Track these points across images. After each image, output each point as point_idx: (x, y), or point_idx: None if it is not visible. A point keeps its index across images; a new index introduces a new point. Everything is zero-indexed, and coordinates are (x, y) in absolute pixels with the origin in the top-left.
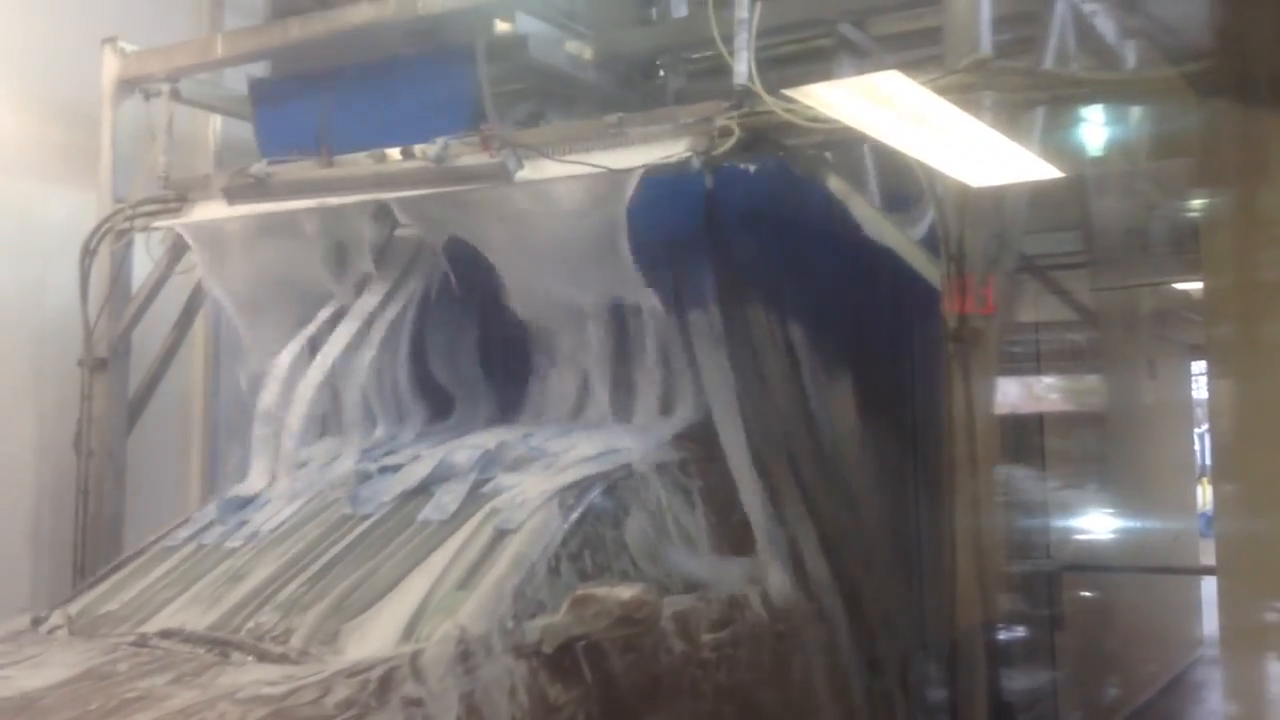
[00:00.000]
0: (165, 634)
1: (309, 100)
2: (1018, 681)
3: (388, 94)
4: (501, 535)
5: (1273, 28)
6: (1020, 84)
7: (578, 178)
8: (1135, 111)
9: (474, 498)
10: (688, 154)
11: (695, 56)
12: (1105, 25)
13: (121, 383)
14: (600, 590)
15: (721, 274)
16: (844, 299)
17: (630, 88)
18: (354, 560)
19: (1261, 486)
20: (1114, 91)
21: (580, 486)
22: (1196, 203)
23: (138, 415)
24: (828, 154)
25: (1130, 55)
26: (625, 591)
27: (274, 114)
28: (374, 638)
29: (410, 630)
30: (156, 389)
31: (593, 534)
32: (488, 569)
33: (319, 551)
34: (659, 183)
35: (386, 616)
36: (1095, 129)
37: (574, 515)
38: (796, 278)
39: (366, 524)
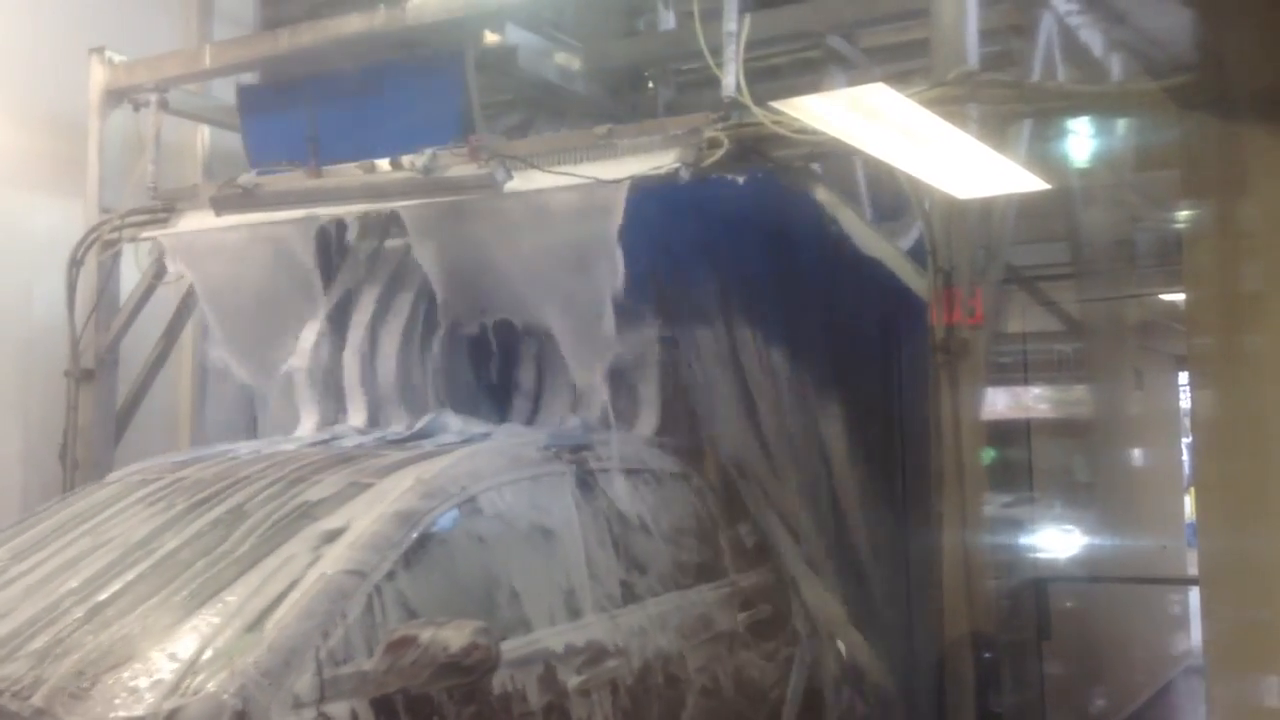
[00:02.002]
0: None
1: (298, 107)
2: (1005, 691)
3: (377, 102)
4: (313, 562)
5: (1253, 43)
6: (1006, 96)
7: (567, 188)
8: (1121, 124)
9: (292, 519)
10: (676, 165)
11: (684, 68)
12: (1091, 38)
13: (108, 394)
14: (424, 631)
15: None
16: (831, 311)
17: (619, 99)
18: (142, 591)
19: (1242, 497)
20: (1099, 104)
21: (424, 503)
22: (1181, 215)
23: (125, 426)
24: (815, 165)
25: (1116, 68)
26: (454, 634)
27: (263, 121)
28: (136, 692)
29: (179, 683)
30: (143, 400)
31: (433, 561)
32: (289, 605)
33: (108, 578)
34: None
35: (156, 665)
36: (1082, 141)
37: (411, 537)
38: (784, 290)
39: (167, 548)
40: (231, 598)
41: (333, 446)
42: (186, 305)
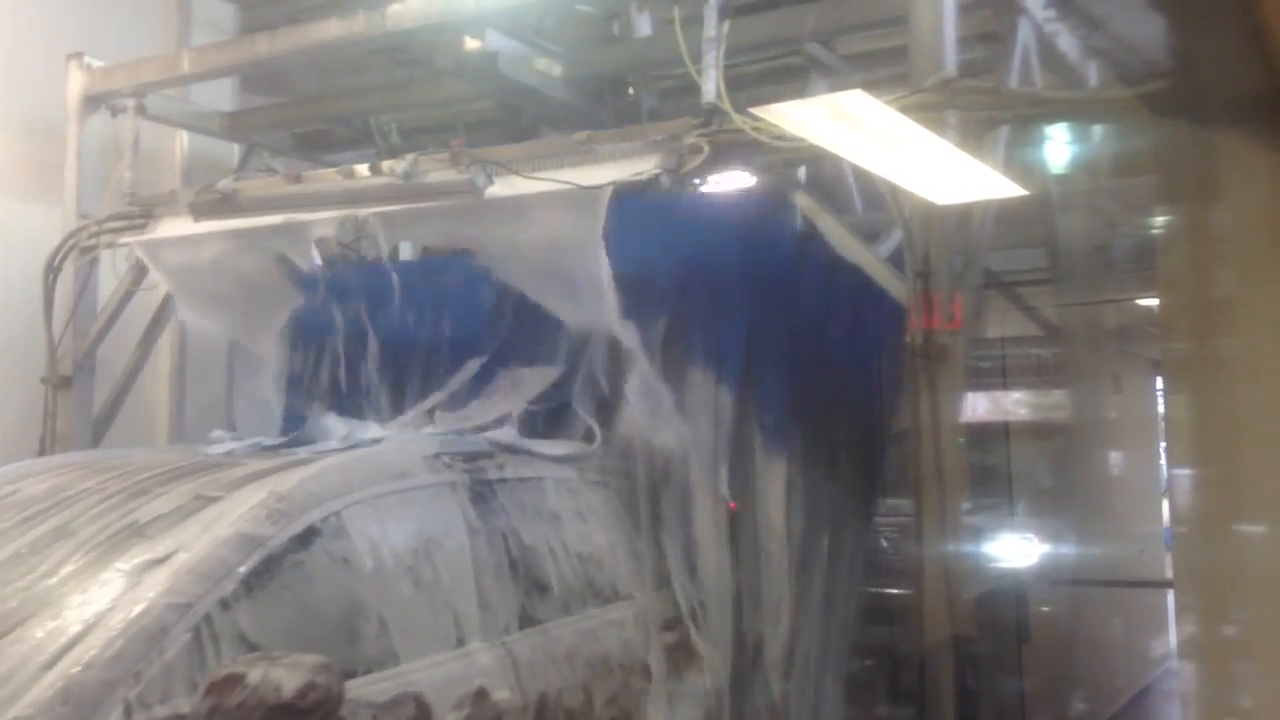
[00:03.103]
0: None
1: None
2: (984, 694)
3: None
4: (131, 590)
5: (1225, 49)
6: (984, 102)
7: (549, 194)
8: (1098, 129)
9: (120, 539)
10: (657, 171)
11: (665, 74)
12: (1068, 44)
13: (86, 400)
14: (253, 669)
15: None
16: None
17: (600, 105)
18: None
19: (1216, 500)
20: (1076, 110)
21: (273, 521)
22: (1158, 220)
23: (103, 432)
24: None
25: (1093, 74)
26: (289, 672)
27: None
28: None
29: None
30: (122, 406)
31: (282, 588)
32: (94, 640)
33: None
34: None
35: None
36: (1059, 147)
37: (255, 560)
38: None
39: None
40: (34, 632)
41: (195, 453)
42: (165, 311)
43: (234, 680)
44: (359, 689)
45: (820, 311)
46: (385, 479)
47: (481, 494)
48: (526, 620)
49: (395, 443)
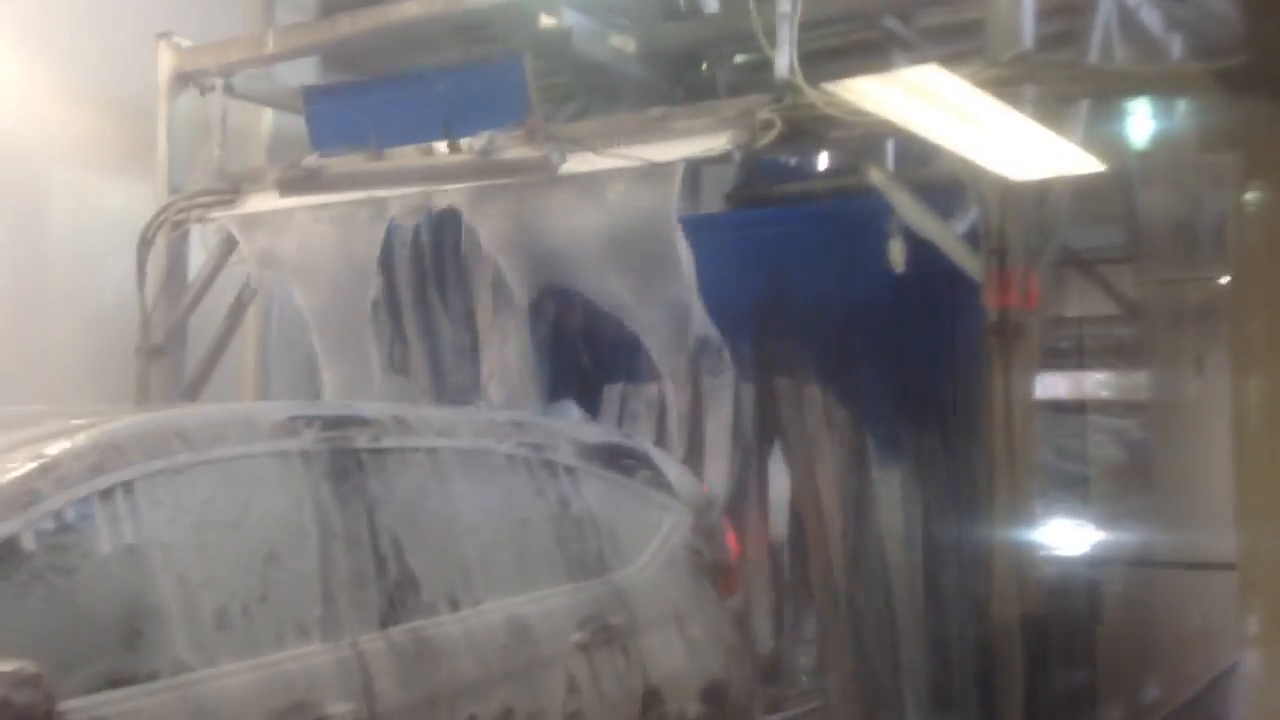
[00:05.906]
0: None
1: (358, 101)
2: (1055, 677)
3: (435, 95)
4: None
5: None
6: (1062, 78)
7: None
8: (1181, 104)
9: None
10: (729, 147)
11: (740, 50)
12: (1151, 17)
13: (177, 370)
14: None
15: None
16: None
17: (673, 81)
18: None
19: None
20: (1155, 86)
21: (20, 496)
22: (1233, 197)
23: (193, 401)
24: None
25: (1176, 47)
26: None
27: (325, 117)
28: None
29: None
30: (210, 375)
31: (30, 578)
32: None
33: None
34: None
35: None
36: (1141, 122)
37: None
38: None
39: None
40: None
41: (31, 412)
42: (251, 284)
43: None
44: (122, 702)
45: (914, 315)
46: (201, 445)
47: (343, 467)
48: (391, 619)
49: (234, 406)
